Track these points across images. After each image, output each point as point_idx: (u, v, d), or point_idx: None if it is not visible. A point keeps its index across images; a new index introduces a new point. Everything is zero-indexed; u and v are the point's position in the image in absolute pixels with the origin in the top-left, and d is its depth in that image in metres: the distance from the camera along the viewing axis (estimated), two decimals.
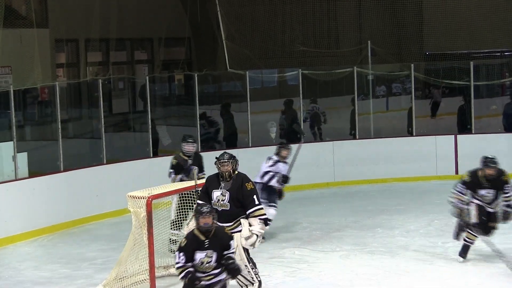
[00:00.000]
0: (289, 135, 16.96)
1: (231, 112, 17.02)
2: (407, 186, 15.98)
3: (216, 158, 8.48)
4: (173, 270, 10.08)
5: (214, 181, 8.42)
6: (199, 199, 8.50)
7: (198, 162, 11.20)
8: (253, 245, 8.31)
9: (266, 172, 11.72)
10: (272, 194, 11.75)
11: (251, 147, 15.90)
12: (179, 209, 10.26)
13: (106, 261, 10.88)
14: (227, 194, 8.31)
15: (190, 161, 11.13)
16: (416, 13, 19.43)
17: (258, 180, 11.59)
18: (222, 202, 8.31)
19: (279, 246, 11.31)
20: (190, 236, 7.79)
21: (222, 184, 8.36)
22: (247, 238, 8.26)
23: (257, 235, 8.28)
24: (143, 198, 9.01)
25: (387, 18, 19.19)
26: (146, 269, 9.20)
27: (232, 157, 8.44)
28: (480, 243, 11.10)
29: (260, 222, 8.31)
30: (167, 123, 18.06)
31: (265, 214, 8.41)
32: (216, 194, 8.32)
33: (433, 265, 10.20)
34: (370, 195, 15.31)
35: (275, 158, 11.96)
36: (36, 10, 17.36)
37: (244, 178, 8.43)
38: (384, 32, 19.23)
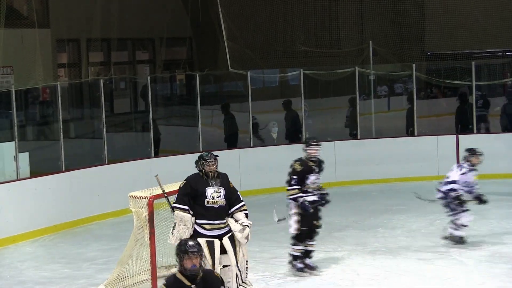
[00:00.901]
0: (291, 136, 17.00)
1: (231, 112, 17.02)
2: (409, 186, 15.93)
3: (200, 157, 8.40)
4: (174, 270, 10.09)
5: (199, 181, 8.35)
6: (177, 203, 8.33)
7: (321, 167, 9.92)
8: (247, 237, 8.32)
9: (454, 182, 11.00)
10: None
11: (253, 147, 15.90)
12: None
13: (108, 261, 10.88)
14: (222, 190, 8.31)
15: (315, 167, 9.81)
16: (418, 13, 19.43)
17: (446, 187, 11.07)
18: (218, 198, 8.29)
19: (280, 246, 11.29)
20: (172, 280, 6.32)
21: (213, 182, 8.34)
22: (241, 231, 8.28)
23: (248, 226, 8.33)
24: (145, 198, 8.99)
25: (388, 18, 19.19)
26: (147, 269, 9.19)
27: (216, 156, 8.45)
28: (480, 243, 11.11)
29: (245, 215, 8.37)
30: (168, 123, 18.07)
31: (247, 210, 8.47)
32: (210, 191, 8.29)
33: (434, 265, 10.19)
34: (371, 195, 15.30)
35: (467, 166, 11.16)
36: (38, 10, 17.37)
37: (227, 176, 8.47)
38: (385, 32, 19.23)
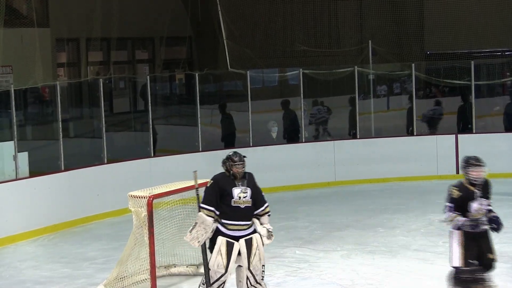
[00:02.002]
0: (289, 135, 17.02)
1: (227, 112, 17.04)
2: (408, 185, 15.98)
3: (229, 158, 8.32)
4: (174, 270, 10.10)
5: (226, 180, 8.31)
6: (204, 203, 8.28)
7: (487, 191, 8.33)
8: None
9: None
10: None
11: (252, 146, 15.89)
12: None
13: (107, 261, 10.87)
14: (249, 191, 8.30)
15: (478, 192, 8.22)
16: (417, 13, 19.44)
17: None
18: (244, 199, 8.27)
19: (280, 246, 11.30)
20: None
21: (239, 182, 8.30)
22: (269, 237, 8.36)
23: (272, 233, 8.41)
24: (144, 197, 8.99)
25: (388, 17, 19.21)
26: (147, 269, 9.19)
27: (244, 157, 8.41)
28: None
29: (268, 218, 8.43)
30: (168, 122, 18.06)
31: (266, 213, 8.45)
32: (236, 191, 8.26)
33: (434, 265, 10.18)
34: (371, 194, 15.30)
35: None
36: (37, 10, 17.35)
37: (253, 176, 8.45)
38: (385, 31, 19.24)
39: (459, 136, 16.61)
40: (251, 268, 8.30)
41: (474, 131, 16.77)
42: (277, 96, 19.25)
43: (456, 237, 8.31)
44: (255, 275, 8.32)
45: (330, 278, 9.78)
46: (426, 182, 16.12)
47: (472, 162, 8.23)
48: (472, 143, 16.37)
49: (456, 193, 8.20)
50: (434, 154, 16.38)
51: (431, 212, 13.30)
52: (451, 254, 8.38)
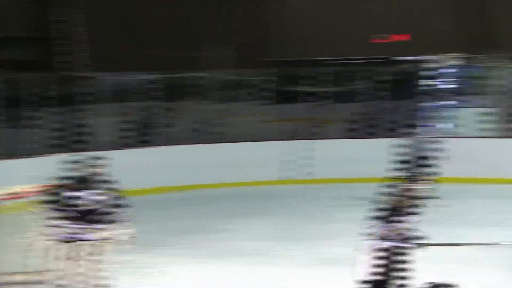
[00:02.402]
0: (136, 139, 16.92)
1: (70, 115, 16.76)
2: (251, 190, 16.09)
3: (79, 160, 8.24)
4: (13, 277, 9.65)
5: (75, 182, 8.16)
6: (47, 205, 8.13)
7: None
8: (123, 247, 8.32)
9: None
10: None
11: (95, 150, 15.53)
12: None
13: None
14: (99, 194, 8.16)
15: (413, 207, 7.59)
16: (276, 19, 19.83)
17: None
18: (91, 202, 8.11)
19: (127, 251, 11.06)
20: None
21: (90, 185, 8.16)
22: (120, 243, 8.25)
23: (126, 239, 8.28)
24: None
25: (244, 23, 19.47)
26: None
27: (99, 160, 8.31)
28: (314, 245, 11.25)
29: (124, 225, 8.30)
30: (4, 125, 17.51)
31: (126, 217, 8.33)
32: (84, 194, 8.11)
33: (267, 268, 10.25)
34: (214, 199, 15.45)
35: None
36: None
37: (111, 180, 8.33)
38: (240, 37, 19.49)
39: (309, 141, 16.87)
40: (88, 274, 8.19)
41: (321, 137, 17.17)
42: (117, 100, 19.03)
43: (373, 249, 7.61)
44: (96, 282, 8.20)
45: (176, 283, 9.69)
46: (268, 187, 16.28)
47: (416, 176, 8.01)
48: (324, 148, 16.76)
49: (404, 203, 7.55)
50: (275, 159, 16.61)
51: (269, 216, 13.60)
52: (363, 266, 7.65)
